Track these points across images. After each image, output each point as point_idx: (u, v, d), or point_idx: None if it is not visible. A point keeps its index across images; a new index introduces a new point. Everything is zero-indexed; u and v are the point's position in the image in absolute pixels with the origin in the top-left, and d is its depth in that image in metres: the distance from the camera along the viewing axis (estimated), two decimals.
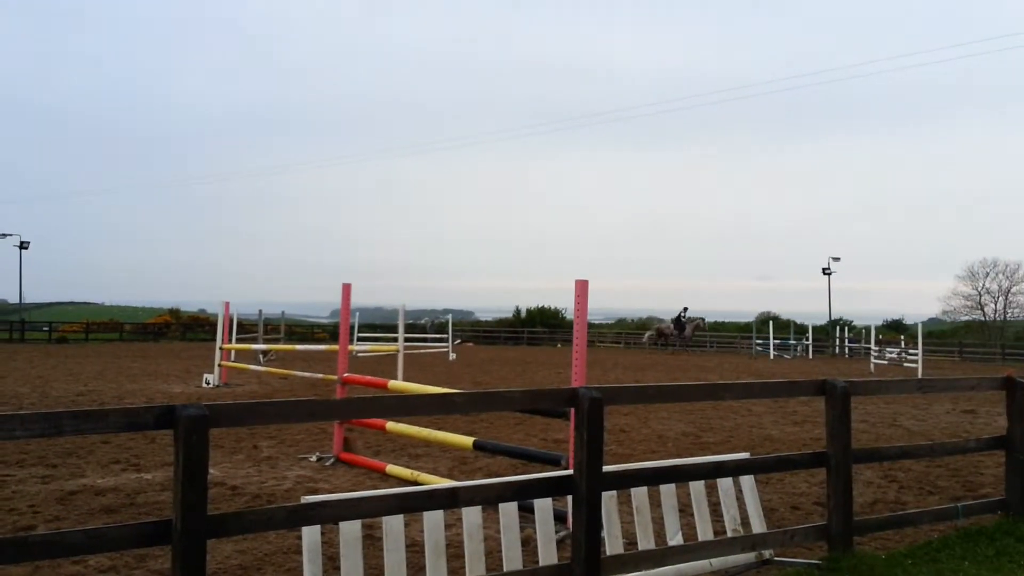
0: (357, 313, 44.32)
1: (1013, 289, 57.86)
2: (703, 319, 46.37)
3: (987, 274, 58.38)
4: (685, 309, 45.29)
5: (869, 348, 35.62)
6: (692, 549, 5.18)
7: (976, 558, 5.67)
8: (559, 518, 5.60)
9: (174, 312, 59.71)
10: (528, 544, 5.36)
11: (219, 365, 19.45)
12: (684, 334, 44.11)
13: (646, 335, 47.76)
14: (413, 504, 4.33)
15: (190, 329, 53.32)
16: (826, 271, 54.58)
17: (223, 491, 7.82)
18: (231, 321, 23.62)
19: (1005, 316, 57.97)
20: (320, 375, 17.15)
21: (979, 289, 58.56)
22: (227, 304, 21.26)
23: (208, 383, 19.19)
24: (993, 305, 57.89)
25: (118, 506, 7.18)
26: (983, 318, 57.89)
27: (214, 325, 22.26)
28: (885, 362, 33.08)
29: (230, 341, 23.58)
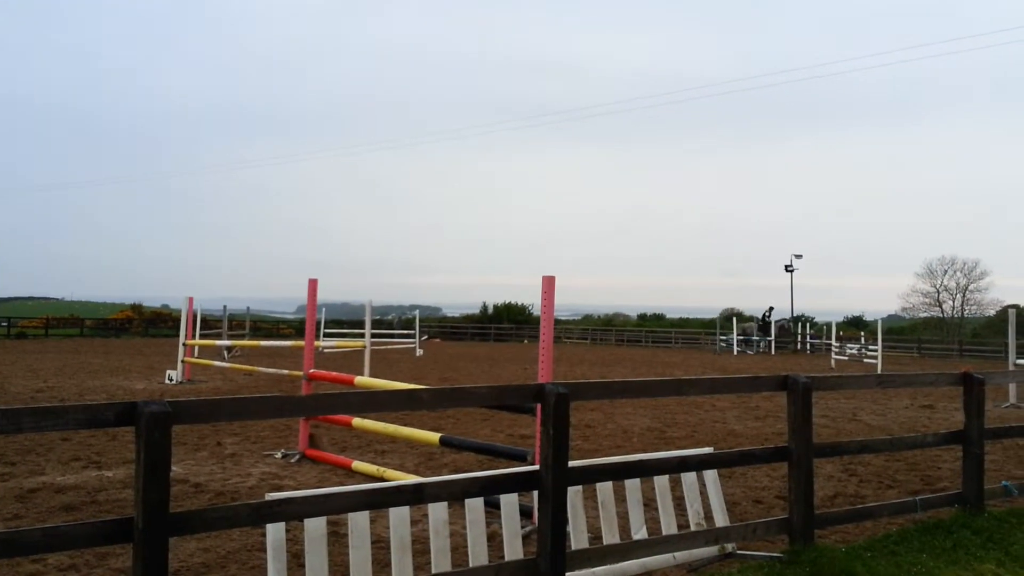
0: (324, 309, 44.04)
1: (971, 287, 58.98)
2: (788, 320, 44.78)
3: (945, 272, 59.45)
4: (770, 309, 44.29)
5: (830, 344, 36.15)
6: (656, 543, 5.23)
7: (934, 550, 5.78)
8: (525, 513, 5.62)
9: (136, 308, 58.87)
10: (494, 539, 5.38)
11: (182, 361, 19.24)
12: (769, 333, 42.74)
13: (734, 335, 44.90)
14: (379, 500, 4.32)
15: (153, 325, 52.62)
16: (789, 268, 55.21)
17: (186, 488, 7.74)
18: (195, 317, 23.36)
19: (963, 313, 59.06)
20: (286, 371, 17.06)
21: (938, 287, 59.61)
22: (191, 299, 21.05)
23: (171, 379, 18.97)
24: (951, 302, 58.95)
25: (79, 504, 7.08)
26: (941, 315, 58.92)
27: (177, 321, 22.04)
28: (846, 358, 33.61)
29: (194, 337, 23.31)
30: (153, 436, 3.47)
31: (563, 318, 72.12)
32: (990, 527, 6.32)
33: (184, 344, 19.55)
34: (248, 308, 43.23)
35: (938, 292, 59.62)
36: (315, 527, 4.18)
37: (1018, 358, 16.79)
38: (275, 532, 4.05)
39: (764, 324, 42.73)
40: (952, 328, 56.00)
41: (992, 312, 56.30)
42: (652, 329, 57.87)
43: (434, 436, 7.50)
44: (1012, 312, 17.76)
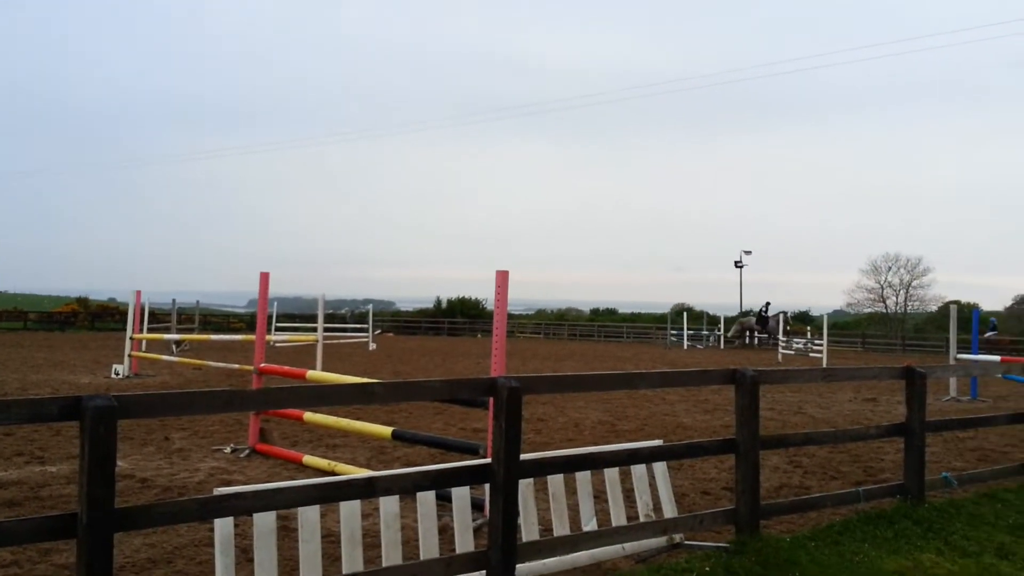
0: (275, 303, 43.54)
1: (914, 283, 60.42)
2: (786, 312, 44.49)
3: (889, 268, 60.78)
4: (767, 304, 44.34)
5: (777, 339, 36.77)
6: (606, 534, 5.29)
7: (876, 540, 5.94)
8: (477, 506, 5.64)
9: (82, 301, 57.48)
10: (446, 532, 5.38)
11: (129, 355, 18.88)
12: (768, 328, 42.38)
13: (731, 331, 44.62)
14: (330, 494, 4.31)
15: (99, 318, 51.42)
16: (738, 264, 56.09)
17: (132, 484, 7.62)
18: (143, 310, 22.92)
19: (906, 309, 60.46)
20: (236, 365, 16.80)
21: (881, 283, 60.93)
22: (139, 293, 20.67)
23: (118, 374, 18.60)
24: (895, 298, 60.33)
25: (21, 499, 6.93)
26: (885, 310, 60.29)
27: (124, 314, 21.63)
28: (792, 352, 34.22)
29: (141, 331, 22.87)
30: (98, 431, 3.42)
31: (516, 312, 72.26)
32: (931, 517, 6.50)
33: (131, 338, 19.18)
34: (198, 302, 42.58)
35: (882, 288, 60.97)
36: (264, 522, 4.15)
37: (958, 353, 17.28)
38: (223, 527, 4.01)
39: (762, 318, 42.71)
40: (895, 323, 57.32)
41: (934, 308, 57.74)
42: (604, 324, 58.28)
43: (386, 430, 7.48)
44: (953, 308, 18.27)
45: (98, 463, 3.40)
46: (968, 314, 21.42)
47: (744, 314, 49.72)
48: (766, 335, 42.04)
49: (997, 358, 16.04)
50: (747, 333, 43.87)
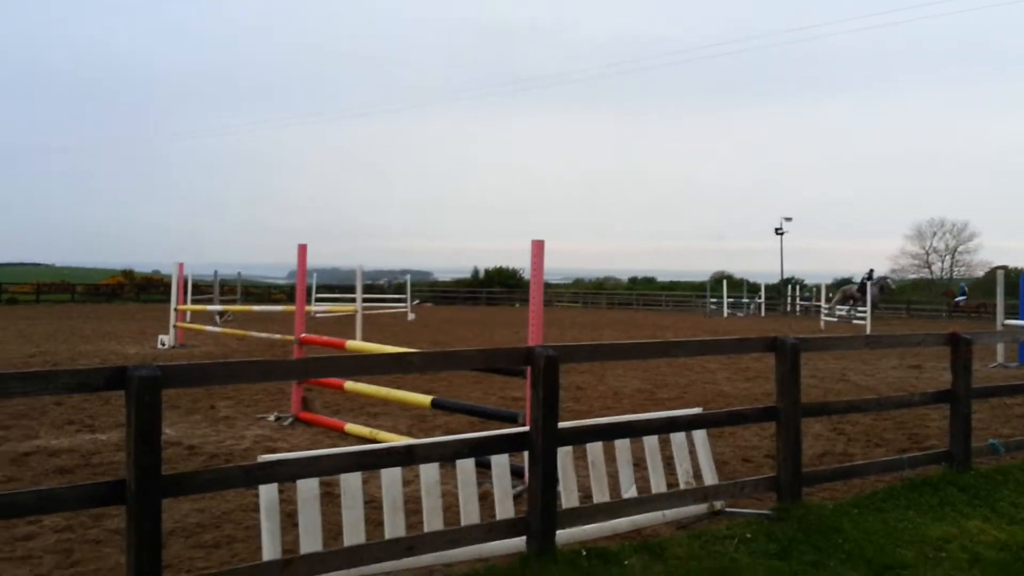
0: (315, 274, 43.98)
1: (960, 248, 59.30)
2: (887, 279, 43.48)
3: (934, 233, 59.76)
4: (871, 271, 43.78)
5: (820, 306, 36.33)
6: (645, 501, 5.30)
7: (920, 507, 5.86)
8: (517, 473, 5.67)
9: (127, 273, 58.57)
10: (486, 499, 5.43)
11: (174, 326, 19.22)
12: (866, 296, 41.49)
13: (834, 299, 42.27)
14: (370, 462, 4.36)
15: (144, 290, 52.41)
16: (779, 231, 55.32)
17: (180, 451, 7.79)
18: (186, 282, 23.30)
19: (952, 274, 59.44)
20: (278, 336, 17.04)
21: (927, 248, 59.95)
22: (181, 265, 21.00)
23: (163, 344, 18.96)
24: (940, 264, 59.31)
25: (72, 467, 7.12)
26: (930, 276, 59.30)
27: (168, 286, 22.01)
28: (835, 319, 33.79)
29: (185, 302, 23.27)
30: (143, 400, 3.48)
31: (554, 282, 72.25)
32: (977, 484, 6.40)
33: (175, 309, 19.53)
34: (239, 273, 43.09)
35: (927, 254, 59.99)
36: (307, 488, 4.22)
37: (1006, 318, 16.92)
38: (268, 493, 4.09)
39: (863, 285, 41.55)
40: (941, 289, 56.36)
41: (981, 273, 56.65)
42: (643, 292, 58.06)
43: (426, 399, 7.54)
44: (1000, 273, 17.87)
45: (144, 431, 3.47)
46: (1016, 279, 20.93)
47: (845, 281, 48.62)
48: (864, 304, 40.87)
49: None
50: (850, 301, 42.45)
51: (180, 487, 3.78)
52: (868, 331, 24.93)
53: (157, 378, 3.56)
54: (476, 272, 63.65)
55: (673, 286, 63.74)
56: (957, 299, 42.90)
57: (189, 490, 3.86)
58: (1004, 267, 33.18)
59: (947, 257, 59.33)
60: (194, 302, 28.08)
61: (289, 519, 5.22)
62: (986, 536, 5.29)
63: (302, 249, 9.86)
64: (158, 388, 3.55)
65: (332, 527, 4.99)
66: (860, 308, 39.53)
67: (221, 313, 25.97)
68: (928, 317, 41.60)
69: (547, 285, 65.37)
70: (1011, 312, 18.24)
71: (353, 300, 20.43)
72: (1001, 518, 5.68)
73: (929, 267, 59.29)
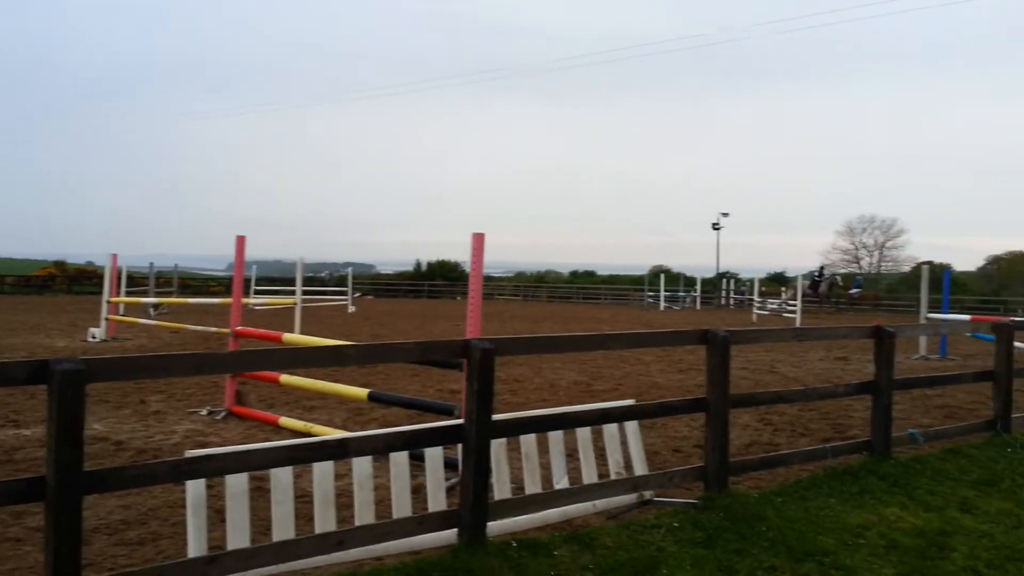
0: (254, 266, 43.24)
1: (888, 244, 61.15)
2: (836, 276, 43.96)
3: (864, 229, 61.53)
4: (822, 268, 44.08)
5: (753, 299, 37.12)
6: (576, 492, 5.38)
7: (841, 495, 6.06)
8: (453, 466, 5.70)
9: (59, 264, 56.93)
10: (420, 492, 5.45)
11: (106, 319, 18.77)
12: (819, 291, 41.92)
13: (787, 294, 42.69)
14: (302, 456, 4.35)
15: (76, 282, 50.97)
16: (715, 226, 56.43)
17: (107, 446, 7.63)
18: (119, 274, 22.73)
19: (880, 269, 61.26)
20: (213, 328, 16.77)
21: (856, 243, 61.66)
22: (115, 256, 20.50)
23: (94, 337, 18.51)
24: (869, 259, 61.06)
25: None
26: (860, 270, 60.98)
27: (102, 278, 21.45)
28: (767, 312, 34.56)
29: (118, 294, 22.70)
30: (66, 394, 3.42)
31: (496, 275, 72.35)
32: (896, 473, 6.62)
33: (108, 301, 19.06)
34: (176, 265, 42.24)
35: (857, 249, 61.70)
36: (236, 483, 4.19)
37: (929, 312, 17.52)
38: (194, 489, 4.05)
39: (815, 282, 42.24)
40: (869, 284, 58.02)
41: (907, 268, 58.50)
42: (583, 286, 58.58)
43: (362, 392, 7.51)
44: (925, 268, 18.50)
45: (66, 426, 3.41)
46: (940, 274, 21.69)
47: (778, 276, 49.36)
48: (817, 299, 41.56)
49: (966, 317, 16.29)
50: (804, 296, 42.88)
51: (102, 484, 3.72)
52: (798, 324, 25.54)
53: (81, 372, 3.50)
54: (418, 265, 63.49)
55: (612, 280, 64.43)
56: (852, 291, 44.59)
57: (112, 487, 3.80)
58: (929, 262, 34.29)
59: (876, 252, 61.14)
60: (128, 294, 27.42)
61: (219, 515, 5.17)
62: (903, 523, 5.50)
63: (240, 240, 9.72)
64: (82, 382, 3.49)
65: (263, 522, 4.96)
66: (813, 302, 40.59)
67: (156, 305, 25.40)
68: (857, 311, 42.74)
69: (488, 278, 65.63)
70: (934, 307, 18.90)
71: (293, 293, 20.17)
72: (918, 505, 5.90)
73: (859, 262, 61.03)
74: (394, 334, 22.29)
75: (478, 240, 6.50)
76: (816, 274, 43.43)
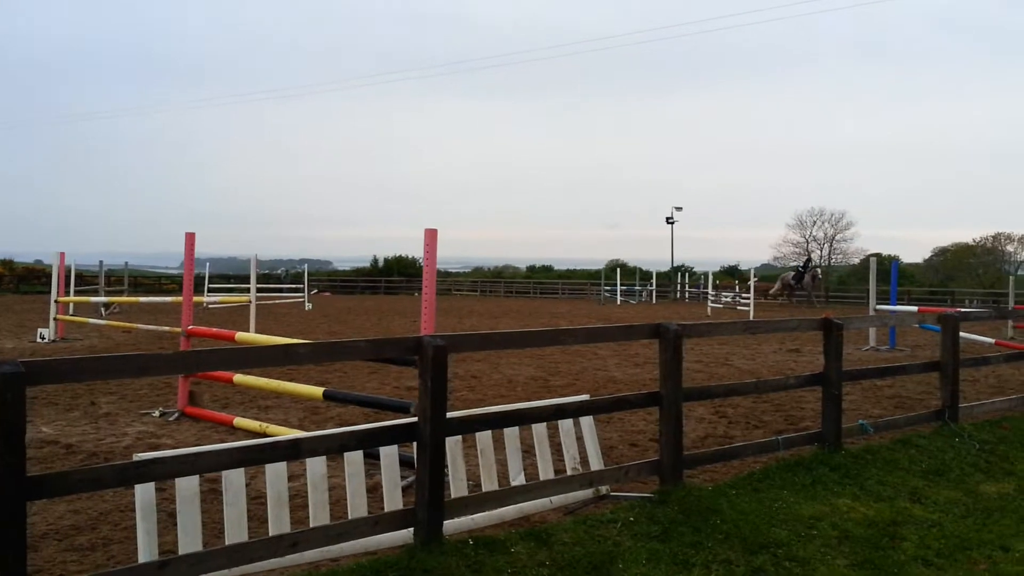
0: (207, 263, 42.63)
1: (837, 237, 62.23)
2: (816, 268, 43.94)
3: (814, 223, 62.53)
4: (807, 260, 44.07)
5: (707, 293, 37.51)
6: (533, 488, 5.38)
7: (794, 486, 6.14)
8: (409, 464, 5.67)
9: (7, 263, 55.51)
10: (376, 491, 5.42)
11: (55, 319, 18.36)
12: (803, 284, 41.83)
13: (774, 288, 43.56)
14: (254, 457, 4.29)
15: (24, 281, 49.78)
16: (669, 220, 56.93)
17: (56, 450, 7.47)
18: (68, 272, 22.25)
19: (830, 262, 62.30)
20: (166, 328, 16.49)
21: (807, 237, 62.66)
22: (62, 255, 20.09)
23: (43, 338, 18.10)
24: (819, 252, 62.06)
25: None
26: (811, 264, 61.93)
27: (51, 277, 20.97)
28: (721, 305, 34.94)
29: (67, 294, 22.21)
30: (5, 398, 3.33)
31: (453, 270, 72.29)
32: (847, 463, 6.72)
33: (56, 301, 18.64)
34: (127, 263, 41.43)
35: (807, 242, 62.68)
36: (187, 486, 4.12)
37: (878, 304, 17.85)
38: (144, 493, 3.97)
39: (799, 274, 42.36)
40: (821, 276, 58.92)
41: (856, 261, 59.60)
42: (540, 281, 58.69)
43: (318, 390, 7.44)
44: (873, 260, 18.85)
45: (5, 431, 3.31)
46: (888, 266, 22.11)
47: (732, 269, 49.73)
48: (803, 292, 41.76)
49: (914, 308, 16.64)
50: (787, 290, 43.12)
51: (46, 489, 3.62)
52: (751, 317, 25.87)
53: (20, 375, 3.41)
54: (375, 261, 63.01)
55: (570, 274, 64.64)
56: (796, 279, 45.81)
57: (56, 492, 3.70)
58: (877, 255, 34.94)
59: (826, 245, 62.17)
60: (78, 293, 26.86)
61: (171, 518, 5.08)
62: (855, 513, 5.59)
63: (190, 237, 9.57)
64: (21, 385, 3.40)
65: (216, 525, 4.89)
66: (799, 294, 41.05)
67: (107, 305, 24.91)
68: (808, 303, 43.39)
69: (446, 273, 65.46)
70: (883, 298, 19.27)
71: (248, 290, 19.89)
72: (869, 496, 6.00)
73: (809, 255, 61.94)
74: (351, 331, 22.12)
75: (431, 236, 6.48)
76: (801, 267, 43.81)
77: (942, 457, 7.11)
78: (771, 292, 43.32)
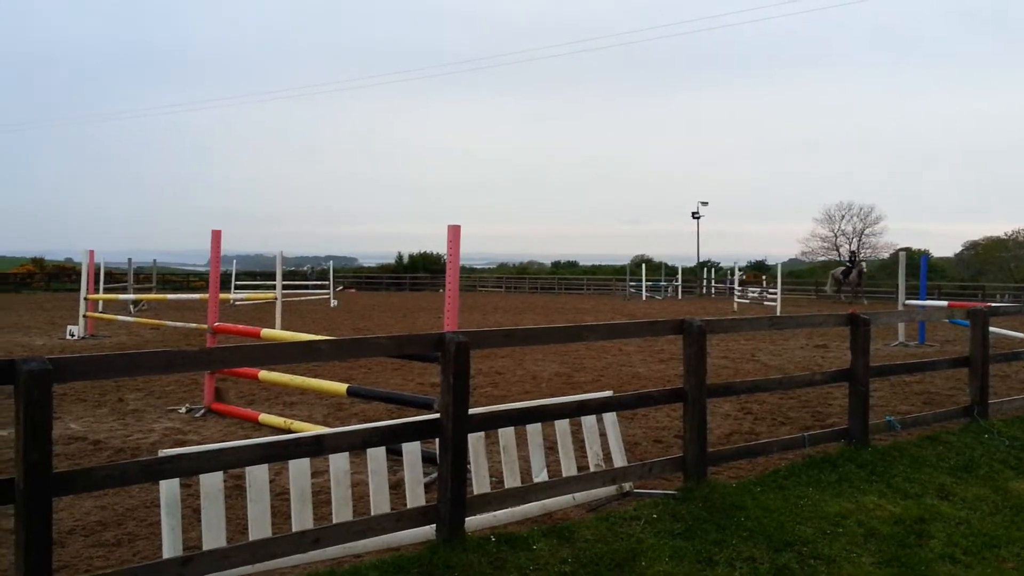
0: (234, 261, 43.01)
1: (866, 231, 61.51)
2: (862, 263, 43.62)
3: (843, 217, 61.81)
4: (853, 254, 43.85)
5: (733, 288, 37.25)
6: (556, 485, 5.37)
7: (820, 484, 6.08)
8: (432, 460, 5.68)
9: (38, 261, 56.40)
10: (399, 487, 5.43)
11: (84, 316, 18.59)
12: (848, 279, 41.69)
13: (828, 285, 42.74)
14: (277, 453, 4.31)
15: (55, 279, 50.51)
16: (695, 215, 56.63)
17: (85, 446, 7.56)
18: (98, 270, 22.55)
19: (859, 256, 61.59)
20: (193, 324, 16.66)
21: (835, 231, 61.99)
22: (91, 252, 20.31)
23: (73, 335, 18.34)
24: (848, 246, 61.38)
25: None
26: (839, 258, 61.32)
27: (81, 275, 21.25)
28: (747, 301, 34.69)
29: (97, 291, 22.52)
30: (32, 395, 3.36)
31: (478, 267, 72.35)
32: (874, 460, 6.65)
33: (86, 299, 18.88)
34: (155, 261, 41.93)
35: (835, 236, 62.02)
36: (211, 482, 4.15)
37: (907, 299, 17.63)
38: (168, 488, 4.00)
39: (847, 269, 41.90)
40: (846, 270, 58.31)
41: (886, 255, 58.85)
42: (565, 276, 58.57)
43: (341, 387, 7.48)
44: (902, 255, 18.58)
45: (33, 427, 3.35)
46: (917, 260, 21.83)
47: (759, 264, 49.55)
48: (848, 287, 41.24)
49: (944, 303, 16.41)
50: (837, 285, 42.44)
51: (72, 485, 3.66)
52: (778, 312, 25.67)
53: (48, 371, 3.44)
54: (400, 258, 63.23)
55: (595, 270, 64.46)
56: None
57: (82, 488, 3.74)
58: (907, 249, 34.49)
59: (854, 240, 61.47)
60: (107, 291, 27.21)
61: (195, 514, 5.13)
62: (881, 511, 5.52)
63: (216, 235, 9.64)
64: (48, 382, 3.43)
65: (240, 521, 4.92)
66: (845, 290, 40.58)
67: (135, 302, 25.21)
68: (835, 298, 42.96)
69: (471, 270, 65.53)
70: (912, 293, 19.02)
71: (274, 287, 20.03)
72: (896, 493, 5.93)
73: (838, 249, 61.27)
74: (376, 327, 22.22)
75: (454, 232, 6.47)
76: (848, 261, 43.22)
77: (970, 454, 7.02)
78: (827, 289, 42.73)
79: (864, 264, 44.16)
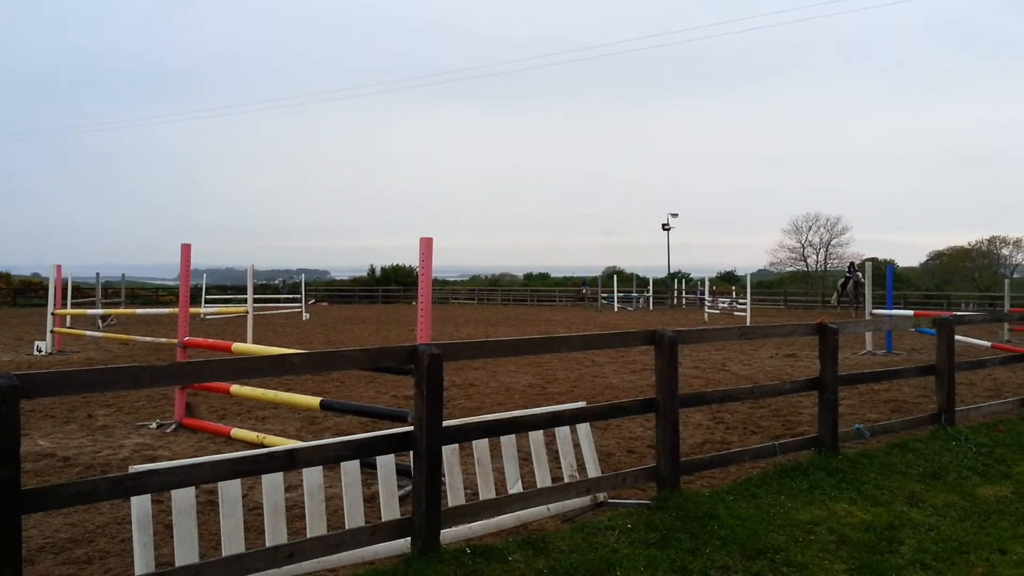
0: (204, 274, 42.64)
1: (833, 242, 62.35)
2: (859, 273, 43.99)
3: (810, 228, 62.63)
4: (851, 264, 43.92)
5: (704, 298, 37.57)
6: (530, 496, 5.37)
7: (791, 492, 6.13)
8: (407, 473, 5.67)
9: (4, 276, 55.54)
10: (374, 501, 5.41)
11: (51, 332, 18.34)
12: (846, 290, 41.47)
13: (834, 297, 41.74)
14: (249, 468, 4.28)
15: (21, 294, 49.80)
16: (665, 227, 57.05)
17: (54, 463, 7.45)
18: (65, 285, 22.23)
19: (826, 267, 62.39)
20: (163, 339, 16.49)
21: (803, 242, 62.77)
22: (59, 267, 20.06)
23: (40, 351, 18.08)
24: (815, 256, 62.17)
25: None
26: (806, 269, 62.07)
27: (48, 289, 20.98)
28: (718, 311, 35.01)
29: (64, 306, 22.19)
30: (0, 411, 3.32)
31: (451, 279, 72.31)
32: (844, 468, 6.71)
33: (53, 314, 18.62)
34: (123, 275, 41.46)
35: (803, 247, 62.79)
36: (183, 498, 4.11)
37: (874, 308, 17.87)
38: (140, 505, 3.96)
39: (846, 280, 42.14)
40: (816, 281, 59.09)
41: None
42: (537, 288, 58.79)
43: (314, 400, 7.44)
44: (868, 265, 18.83)
45: (1, 444, 3.31)
46: (883, 270, 22.14)
47: (728, 275, 50.01)
48: (847, 298, 41.45)
49: (910, 312, 16.65)
50: (839, 294, 42.38)
51: (40, 503, 3.61)
52: (748, 322, 25.89)
53: (15, 387, 3.41)
54: (372, 270, 63.11)
55: (567, 281, 64.66)
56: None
57: (51, 505, 3.70)
58: (873, 259, 34.95)
59: (821, 250, 62.26)
60: (74, 306, 26.85)
61: (168, 530, 5.07)
62: (852, 518, 5.58)
63: (185, 249, 9.57)
64: (16, 398, 3.40)
65: (213, 537, 4.88)
66: (843, 300, 40.76)
67: (104, 317, 24.90)
68: (804, 308, 43.45)
69: (444, 282, 65.53)
70: (879, 303, 19.27)
71: (245, 301, 19.87)
72: (866, 500, 6.00)
73: (805, 260, 62.06)
74: (348, 340, 22.12)
75: (426, 244, 6.48)
76: (847, 272, 43.56)
77: (939, 460, 7.11)
78: (833, 301, 42.97)
79: (860, 274, 44.57)
